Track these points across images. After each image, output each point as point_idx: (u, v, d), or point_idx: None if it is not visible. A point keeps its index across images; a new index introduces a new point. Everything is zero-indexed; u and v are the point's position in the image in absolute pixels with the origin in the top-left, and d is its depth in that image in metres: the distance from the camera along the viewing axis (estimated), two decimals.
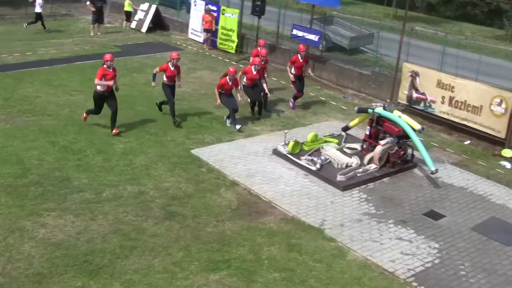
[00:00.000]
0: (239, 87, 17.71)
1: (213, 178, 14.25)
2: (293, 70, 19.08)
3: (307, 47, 19.94)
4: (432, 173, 14.66)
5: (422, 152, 14.82)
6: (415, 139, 14.92)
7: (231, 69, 17.11)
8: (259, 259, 11.06)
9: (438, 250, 11.91)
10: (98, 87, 15.77)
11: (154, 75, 17.32)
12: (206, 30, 27.43)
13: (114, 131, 16.07)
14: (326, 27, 26.71)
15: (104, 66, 15.67)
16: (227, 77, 17.07)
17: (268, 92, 18.71)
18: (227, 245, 11.41)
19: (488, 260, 11.72)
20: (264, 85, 18.63)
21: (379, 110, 15.68)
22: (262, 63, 18.48)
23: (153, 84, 17.40)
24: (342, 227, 12.48)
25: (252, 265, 10.83)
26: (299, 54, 18.96)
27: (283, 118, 18.71)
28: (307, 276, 10.67)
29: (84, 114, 16.64)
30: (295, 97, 19.66)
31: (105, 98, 15.99)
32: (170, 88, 17.24)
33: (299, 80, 19.32)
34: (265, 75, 19.23)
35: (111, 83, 15.70)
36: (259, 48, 19.61)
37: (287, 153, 15.57)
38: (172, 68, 16.98)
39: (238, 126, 17.22)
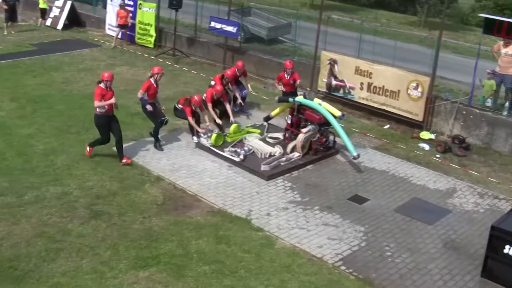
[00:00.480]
0: (206, 109, 16.59)
1: (137, 175, 14.12)
2: (281, 87, 17.89)
3: (293, 63, 18.13)
4: (354, 158, 14.96)
5: (344, 138, 15.08)
6: (336, 125, 15.18)
7: (196, 98, 15.93)
8: (188, 253, 11.05)
9: (364, 233, 12.17)
10: (98, 109, 14.27)
11: (142, 99, 15.60)
12: (120, 26, 26.88)
13: (124, 160, 14.64)
14: (244, 19, 26.72)
15: (101, 85, 14.10)
16: (193, 107, 15.95)
17: (233, 120, 17.09)
18: (155, 241, 11.35)
19: (412, 239, 12.07)
20: (228, 109, 17.12)
21: (300, 98, 15.87)
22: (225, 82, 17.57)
23: (149, 107, 15.43)
24: (268, 216, 12.59)
25: (181, 260, 10.81)
26: (285, 71, 17.68)
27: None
28: (236, 267, 10.73)
29: (88, 148, 14.82)
30: None
31: (108, 121, 14.46)
32: (152, 106, 15.60)
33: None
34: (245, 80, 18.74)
35: (113, 100, 14.25)
36: (236, 70, 18.26)
37: (210, 146, 15.58)
38: (155, 85, 15.53)
39: (196, 138, 16.27)
